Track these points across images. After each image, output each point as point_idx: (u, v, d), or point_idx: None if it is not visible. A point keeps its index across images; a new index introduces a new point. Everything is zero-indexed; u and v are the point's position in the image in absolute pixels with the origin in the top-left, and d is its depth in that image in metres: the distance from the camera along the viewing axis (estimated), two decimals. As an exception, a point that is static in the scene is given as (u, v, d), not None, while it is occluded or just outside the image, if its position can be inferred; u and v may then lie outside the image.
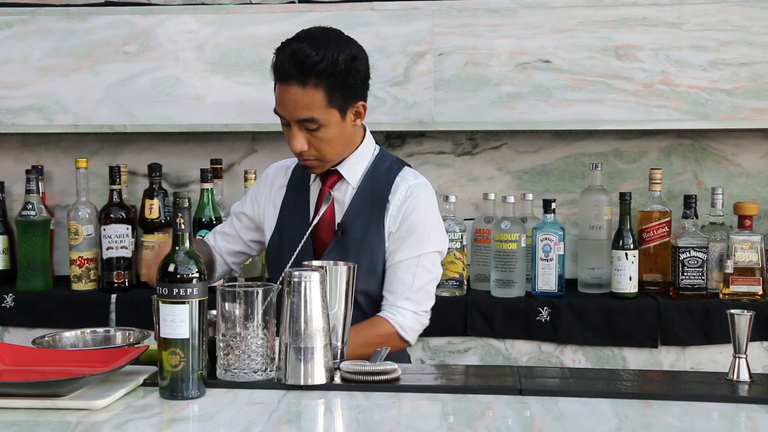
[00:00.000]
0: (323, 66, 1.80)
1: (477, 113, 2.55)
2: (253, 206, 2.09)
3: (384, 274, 1.97)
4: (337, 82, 1.83)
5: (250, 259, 2.59)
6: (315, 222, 1.87)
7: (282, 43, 1.88)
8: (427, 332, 2.43)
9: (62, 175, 2.88)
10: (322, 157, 1.90)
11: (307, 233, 1.84)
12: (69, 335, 1.82)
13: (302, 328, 1.56)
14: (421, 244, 1.95)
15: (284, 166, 2.09)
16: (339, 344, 1.71)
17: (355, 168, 1.97)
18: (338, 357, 1.69)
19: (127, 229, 2.62)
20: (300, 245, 1.80)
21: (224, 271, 2.15)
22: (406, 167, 2.02)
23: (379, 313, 1.95)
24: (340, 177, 1.97)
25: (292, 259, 1.76)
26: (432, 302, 2.00)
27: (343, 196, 1.97)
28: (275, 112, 1.89)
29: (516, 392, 1.55)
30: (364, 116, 1.94)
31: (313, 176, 2.00)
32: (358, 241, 1.94)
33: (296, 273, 1.58)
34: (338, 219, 1.96)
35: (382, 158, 2.01)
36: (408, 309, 1.94)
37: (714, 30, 2.51)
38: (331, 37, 1.85)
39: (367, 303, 1.97)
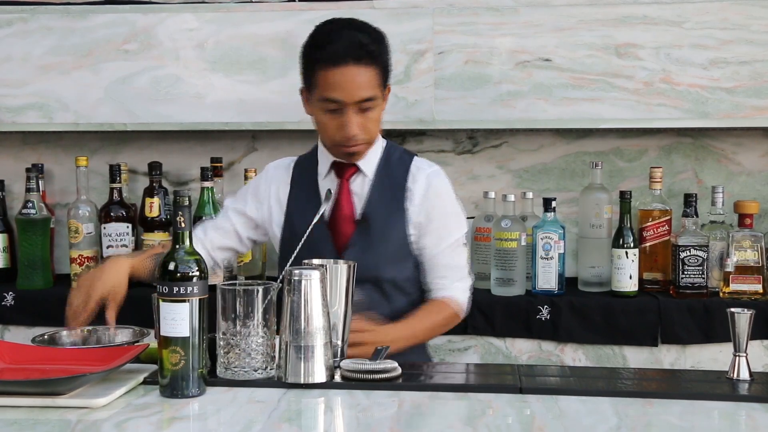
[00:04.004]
0: (374, 46, 1.88)
1: (477, 112, 2.56)
2: (255, 205, 2.08)
3: (407, 259, 1.99)
4: (382, 63, 1.91)
5: (241, 259, 2.59)
6: (316, 220, 1.86)
7: (321, 31, 1.91)
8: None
9: (62, 174, 2.88)
10: (370, 139, 1.93)
11: (309, 229, 1.83)
12: (69, 333, 1.82)
13: (302, 327, 1.56)
14: (455, 227, 2.03)
15: (284, 165, 2.10)
16: (339, 342, 1.71)
17: (370, 159, 1.99)
18: (338, 355, 1.70)
19: (128, 227, 2.62)
20: (301, 240, 1.80)
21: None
22: (415, 156, 2.06)
23: (438, 297, 2.02)
24: (357, 169, 1.98)
25: (293, 257, 1.75)
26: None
27: (360, 187, 1.98)
28: (322, 99, 1.88)
29: (516, 391, 1.55)
30: (387, 101, 1.98)
31: (324, 171, 2.00)
32: (381, 230, 1.96)
33: (296, 271, 1.58)
34: (358, 210, 1.97)
35: (392, 149, 2.04)
36: (462, 288, 2.04)
37: (714, 28, 2.51)
38: (370, 25, 1.93)
39: (393, 290, 1.98)
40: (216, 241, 2.09)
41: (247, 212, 2.08)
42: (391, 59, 1.96)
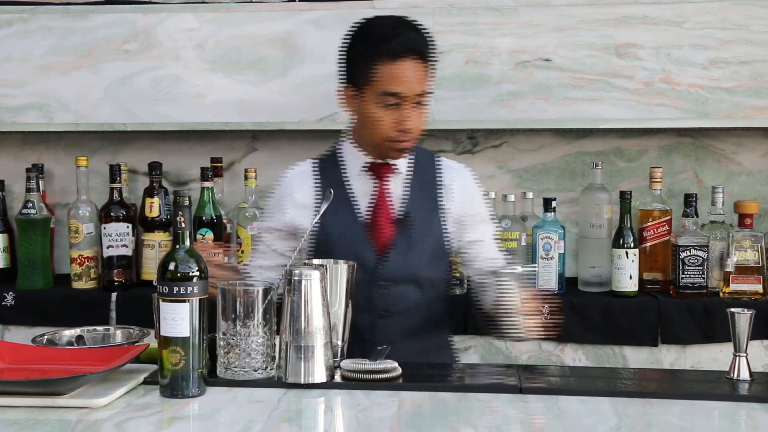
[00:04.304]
0: (429, 44, 1.91)
1: (477, 112, 2.55)
2: (280, 217, 2.01)
3: (443, 258, 2.00)
4: (431, 60, 1.92)
5: (241, 258, 2.59)
6: (315, 220, 1.85)
7: (379, 27, 1.92)
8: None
9: (63, 174, 2.88)
10: (420, 135, 1.93)
11: (312, 224, 1.82)
12: (69, 333, 1.82)
13: (303, 327, 1.56)
14: (490, 221, 2.07)
15: (303, 170, 2.03)
16: (339, 342, 1.71)
17: (404, 158, 1.98)
18: (338, 355, 1.70)
19: (128, 227, 2.62)
20: (301, 241, 1.80)
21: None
22: (436, 154, 2.07)
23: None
24: (392, 168, 1.97)
25: (294, 256, 1.75)
26: None
27: (396, 187, 1.97)
28: (381, 93, 1.87)
29: (516, 391, 1.55)
30: None
31: (355, 171, 1.97)
32: (421, 229, 1.95)
33: (296, 271, 1.58)
34: (396, 210, 1.95)
35: (417, 147, 2.02)
36: None
37: (714, 28, 2.51)
38: (420, 23, 1.95)
39: (431, 290, 1.97)
40: (268, 271, 2.01)
41: (276, 227, 2.01)
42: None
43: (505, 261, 2.03)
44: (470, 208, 2.01)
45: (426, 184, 1.99)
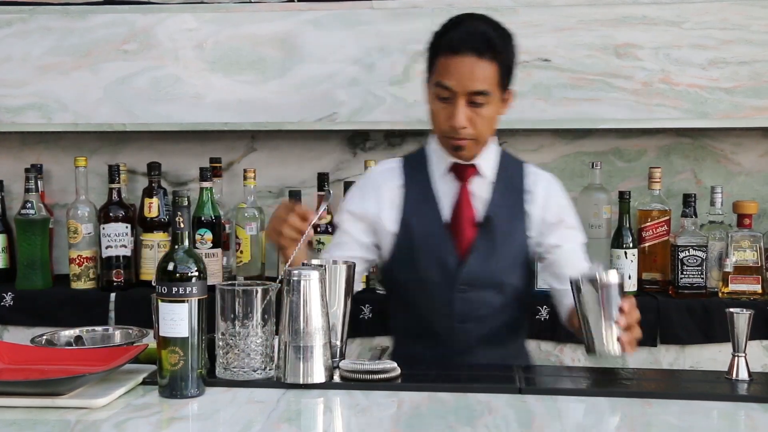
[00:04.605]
0: (500, 43, 1.85)
1: (476, 112, 2.55)
2: (361, 203, 1.98)
3: (525, 265, 1.95)
4: (506, 63, 1.87)
5: (240, 259, 2.59)
6: (315, 219, 1.83)
7: (450, 20, 1.88)
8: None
9: (61, 174, 2.88)
10: (479, 136, 1.87)
11: (310, 225, 1.79)
12: (68, 334, 1.82)
13: (301, 327, 1.56)
14: (579, 232, 2.01)
15: (390, 167, 2.02)
16: (338, 343, 1.71)
17: (489, 161, 1.96)
18: (337, 356, 1.70)
19: (127, 227, 2.62)
20: (301, 241, 1.79)
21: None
22: (526, 162, 2.04)
23: None
24: (476, 170, 1.94)
25: (293, 257, 1.75)
26: None
27: (480, 189, 1.94)
28: (436, 85, 1.85)
29: (516, 391, 1.55)
30: (509, 106, 1.94)
31: (440, 172, 1.95)
32: (504, 233, 1.91)
33: (295, 272, 1.58)
34: (479, 212, 1.92)
35: (505, 152, 2.01)
36: None
37: (714, 29, 2.51)
38: (501, 24, 1.89)
39: (513, 297, 1.93)
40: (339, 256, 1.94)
41: (360, 220, 1.98)
42: (516, 63, 1.91)
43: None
44: (553, 213, 1.96)
45: (511, 189, 1.95)
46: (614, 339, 1.63)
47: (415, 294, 1.94)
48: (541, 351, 2.46)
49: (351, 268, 1.73)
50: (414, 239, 1.92)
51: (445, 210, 1.93)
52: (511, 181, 1.96)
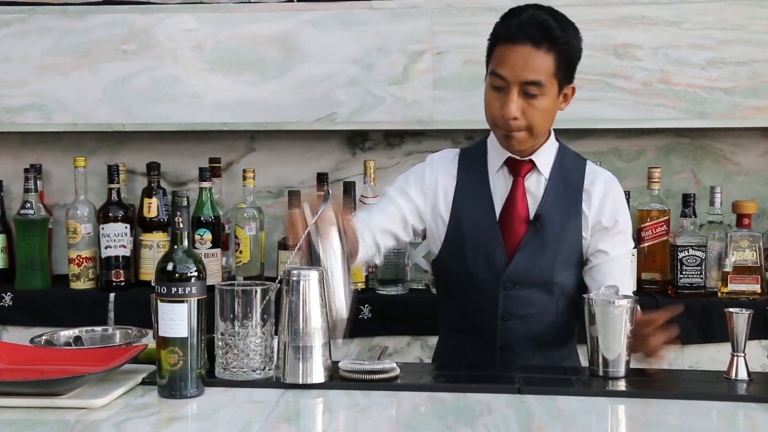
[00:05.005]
0: (560, 35, 1.79)
1: (476, 112, 2.52)
2: (419, 193, 1.94)
3: (577, 265, 1.90)
4: (566, 56, 1.82)
5: (240, 259, 2.58)
6: (314, 219, 1.81)
7: (511, 9, 1.85)
8: (427, 331, 2.43)
9: (61, 174, 2.88)
10: (532, 128, 1.82)
11: (310, 225, 1.76)
12: (67, 334, 1.82)
13: (301, 327, 1.56)
14: (629, 237, 1.95)
15: (449, 157, 1.98)
16: (340, 307, 1.62)
17: (546, 157, 1.91)
18: (342, 319, 1.61)
19: (126, 228, 2.62)
20: (298, 245, 1.77)
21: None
22: (587, 160, 1.99)
23: None
24: (533, 167, 1.91)
25: (291, 259, 1.74)
26: None
27: (536, 186, 1.90)
28: (491, 74, 1.82)
29: (515, 391, 1.55)
30: (569, 101, 1.90)
31: (496, 167, 1.91)
32: (557, 232, 1.87)
33: (295, 272, 1.58)
34: (532, 209, 1.88)
35: (565, 149, 1.96)
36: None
37: (713, 29, 2.51)
38: (563, 15, 1.85)
39: (562, 297, 1.89)
40: (381, 223, 1.92)
41: (414, 199, 1.94)
42: (578, 56, 1.86)
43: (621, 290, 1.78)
44: (608, 215, 1.89)
45: (567, 187, 1.90)
46: (621, 363, 1.65)
47: (461, 288, 1.91)
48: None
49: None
50: (464, 233, 1.89)
51: (498, 205, 1.90)
52: (568, 179, 1.91)
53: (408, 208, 1.94)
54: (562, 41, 1.79)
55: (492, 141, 1.95)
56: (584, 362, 2.06)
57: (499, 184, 1.91)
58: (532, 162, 1.90)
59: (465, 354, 1.91)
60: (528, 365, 1.79)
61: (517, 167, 1.90)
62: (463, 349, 1.92)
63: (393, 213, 1.93)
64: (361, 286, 2.54)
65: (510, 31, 1.80)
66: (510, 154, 1.90)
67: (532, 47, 1.78)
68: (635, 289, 2.12)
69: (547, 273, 1.87)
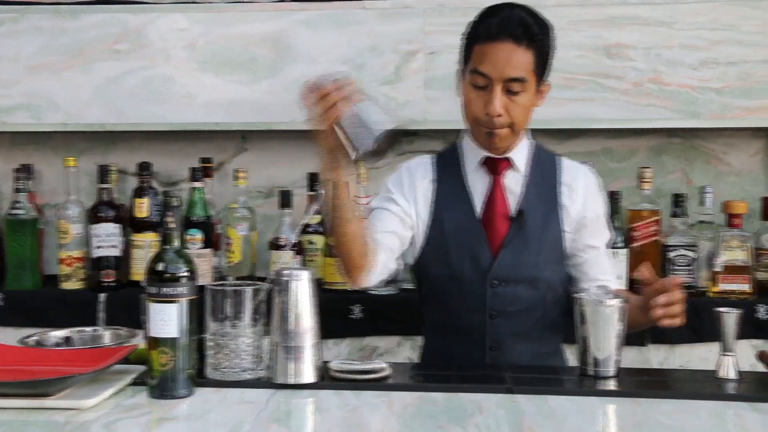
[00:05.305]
0: (538, 31, 1.82)
1: (468, 112, 2.55)
2: (401, 198, 1.95)
3: (561, 259, 1.92)
4: (543, 52, 1.85)
5: (230, 259, 2.58)
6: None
7: (487, 8, 1.86)
8: (418, 331, 2.43)
9: (52, 174, 2.87)
10: (514, 124, 1.85)
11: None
12: (57, 334, 1.81)
13: (291, 327, 1.56)
14: (608, 227, 1.99)
15: (424, 162, 2.00)
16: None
17: (521, 154, 1.94)
18: None
19: (117, 228, 2.61)
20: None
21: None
22: (557, 155, 2.01)
23: None
24: (510, 164, 1.93)
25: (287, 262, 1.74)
26: None
27: (514, 183, 1.92)
28: (472, 72, 1.83)
29: (506, 391, 1.55)
30: (544, 98, 1.92)
31: (473, 166, 1.93)
32: (539, 227, 1.89)
33: (285, 272, 1.58)
34: (512, 206, 1.90)
35: (537, 145, 1.98)
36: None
37: (704, 29, 2.52)
38: (537, 12, 1.88)
39: (548, 293, 1.91)
40: (382, 228, 1.91)
41: (401, 203, 1.94)
42: (552, 53, 1.90)
43: (607, 285, 1.86)
44: (592, 210, 1.93)
45: (544, 182, 1.92)
46: (612, 362, 1.66)
47: (446, 289, 1.92)
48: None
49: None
50: (446, 234, 1.90)
51: (478, 204, 1.91)
52: (544, 174, 1.94)
53: (398, 210, 1.94)
54: (539, 38, 1.83)
55: (466, 142, 1.97)
56: (570, 356, 2.07)
57: (478, 184, 1.93)
58: (508, 159, 1.92)
59: (453, 355, 1.91)
60: (519, 365, 1.79)
61: (495, 165, 1.92)
62: (453, 349, 1.93)
63: (388, 217, 1.93)
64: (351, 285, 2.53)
65: (491, 30, 1.82)
66: (487, 153, 1.92)
67: (514, 44, 1.80)
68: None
69: (532, 269, 1.88)
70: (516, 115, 1.84)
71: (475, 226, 1.89)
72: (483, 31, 1.83)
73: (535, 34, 1.82)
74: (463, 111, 1.90)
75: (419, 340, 2.44)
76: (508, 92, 1.82)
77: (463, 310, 1.90)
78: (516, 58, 1.81)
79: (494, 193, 1.91)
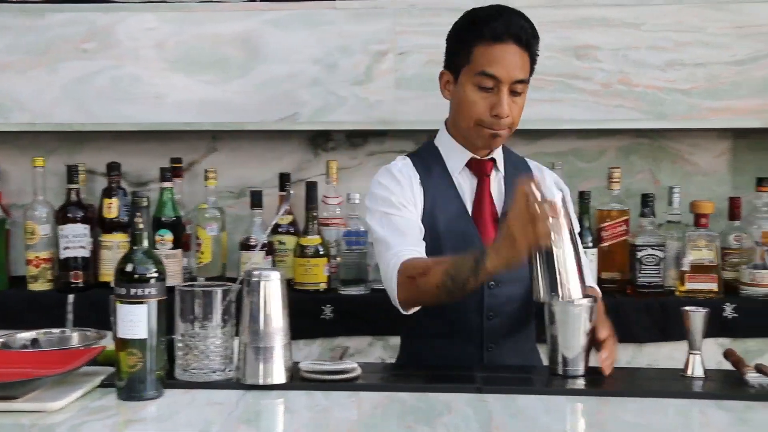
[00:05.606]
0: (532, 33, 1.85)
1: (438, 112, 2.53)
2: (410, 200, 1.90)
3: None
4: (533, 55, 1.88)
5: (201, 260, 2.57)
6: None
7: (482, 9, 1.87)
8: (389, 331, 2.43)
9: (19, 174, 2.83)
10: (513, 125, 1.88)
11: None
12: (24, 336, 1.79)
13: (261, 328, 1.55)
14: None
15: (406, 164, 1.95)
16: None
17: (500, 155, 1.96)
18: None
19: (85, 228, 2.58)
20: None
21: None
22: (522, 156, 2.04)
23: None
24: (493, 164, 1.93)
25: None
26: None
27: (496, 183, 1.93)
28: (478, 74, 1.82)
29: (476, 390, 1.56)
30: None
31: (458, 167, 1.92)
32: None
33: (255, 272, 1.57)
34: (499, 207, 1.91)
35: (505, 147, 2.00)
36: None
37: (671, 31, 2.55)
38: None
39: (527, 289, 1.85)
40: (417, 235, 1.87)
41: (413, 206, 1.90)
42: (537, 56, 1.91)
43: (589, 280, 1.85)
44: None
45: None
46: (580, 361, 1.66)
47: None
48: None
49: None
50: (440, 235, 1.89)
51: (468, 205, 1.91)
52: (519, 174, 1.92)
53: (412, 214, 1.89)
54: (533, 43, 1.86)
55: (446, 141, 1.95)
56: (543, 355, 2.09)
57: (465, 185, 1.93)
58: (493, 160, 1.93)
59: (447, 356, 1.90)
60: (489, 365, 1.80)
61: (481, 167, 1.93)
62: (449, 351, 1.92)
63: (414, 220, 1.88)
64: (323, 286, 2.54)
65: (497, 31, 1.82)
66: (473, 155, 1.92)
67: (518, 46, 1.83)
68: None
69: (524, 268, 1.87)
70: (516, 116, 1.87)
71: (468, 227, 1.89)
72: (489, 33, 1.83)
73: (531, 39, 1.86)
74: (457, 112, 1.90)
75: (390, 340, 2.45)
76: (512, 93, 1.85)
77: (460, 312, 1.89)
78: (521, 61, 1.84)
79: (482, 194, 1.92)
